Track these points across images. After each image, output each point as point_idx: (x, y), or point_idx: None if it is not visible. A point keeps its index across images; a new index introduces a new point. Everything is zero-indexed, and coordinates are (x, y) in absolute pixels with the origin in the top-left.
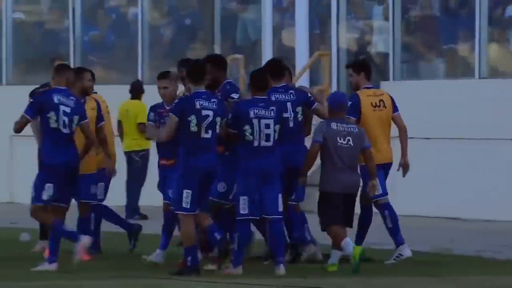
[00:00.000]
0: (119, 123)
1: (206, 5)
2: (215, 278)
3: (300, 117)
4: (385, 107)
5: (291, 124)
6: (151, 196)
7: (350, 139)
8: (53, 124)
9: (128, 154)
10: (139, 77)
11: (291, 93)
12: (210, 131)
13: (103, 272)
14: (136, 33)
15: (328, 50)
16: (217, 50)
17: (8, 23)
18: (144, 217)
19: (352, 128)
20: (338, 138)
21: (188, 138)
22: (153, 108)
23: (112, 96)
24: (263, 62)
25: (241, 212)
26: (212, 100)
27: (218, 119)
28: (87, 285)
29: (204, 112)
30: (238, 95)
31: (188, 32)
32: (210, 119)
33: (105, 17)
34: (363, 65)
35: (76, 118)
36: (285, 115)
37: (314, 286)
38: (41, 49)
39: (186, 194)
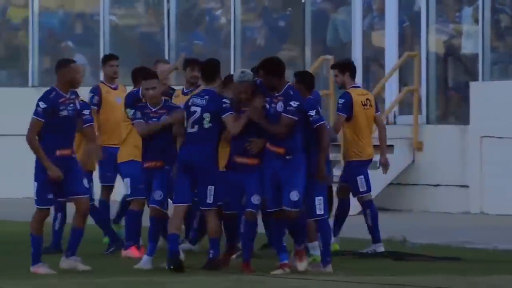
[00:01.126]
0: None
1: (297, 7)
2: (311, 275)
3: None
4: (371, 106)
5: None
6: None
7: None
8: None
9: None
10: None
11: None
12: (196, 126)
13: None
14: (229, 35)
15: (417, 51)
16: (308, 52)
17: (105, 26)
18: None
19: None
20: None
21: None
22: (138, 108)
23: None
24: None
25: (318, 212)
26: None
27: (206, 115)
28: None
29: (192, 108)
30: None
31: (280, 34)
32: (197, 115)
33: (199, 20)
34: (348, 65)
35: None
36: None
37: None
38: (137, 51)
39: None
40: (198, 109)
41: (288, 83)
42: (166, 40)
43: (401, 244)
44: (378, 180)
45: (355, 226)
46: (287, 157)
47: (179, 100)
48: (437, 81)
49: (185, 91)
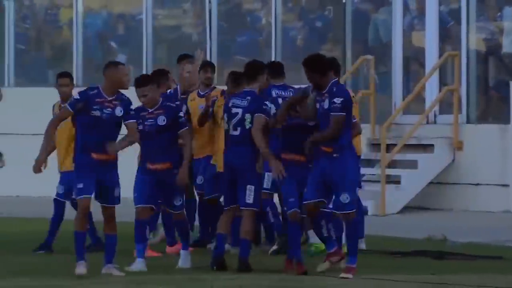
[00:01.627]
0: None
1: (338, 7)
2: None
3: None
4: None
5: None
6: None
7: None
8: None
9: None
10: None
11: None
12: (238, 129)
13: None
14: (270, 35)
15: (457, 50)
16: (348, 52)
17: (148, 26)
18: None
19: None
20: None
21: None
22: (136, 110)
23: None
24: (393, 63)
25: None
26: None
27: (247, 116)
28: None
29: (234, 110)
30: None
31: (320, 34)
32: (239, 116)
33: (240, 20)
34: (332, 63)
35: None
36: None
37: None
38: (179, 52)
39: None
40: (240, 110)
41: (334, 79)
42: (208, 41)
43: (442, 242)
44: (418, 179)
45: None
46: (334, 155)
47: (195, 103)
48: (478, 81)
49: (201, 93)
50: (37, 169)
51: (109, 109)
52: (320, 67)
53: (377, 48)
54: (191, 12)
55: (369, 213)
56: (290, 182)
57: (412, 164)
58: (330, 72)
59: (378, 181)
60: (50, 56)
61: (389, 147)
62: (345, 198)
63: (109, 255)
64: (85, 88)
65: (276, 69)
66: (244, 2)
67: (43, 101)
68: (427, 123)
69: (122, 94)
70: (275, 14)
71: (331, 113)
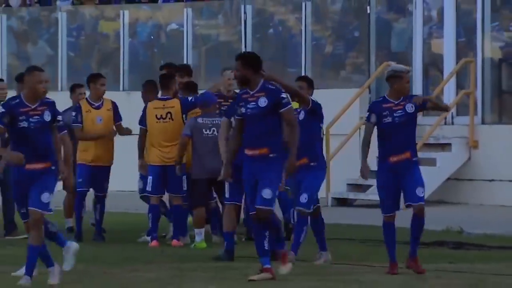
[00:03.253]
0: None
1: (363, 17)
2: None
3: None
4: None
5: None
6: None
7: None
8: None
9: None
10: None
11: None
12: None
13: None
14: (300, 43)
15: (473, 57)
16: (373, 58)
17: (188, 35)
18: None
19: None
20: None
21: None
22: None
23: None
24: (414, 68)
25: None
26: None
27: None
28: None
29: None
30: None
31: (346, 42)
32: None
33: (273, 30)
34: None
35: None
36: None
37: None
38: (216, 59)
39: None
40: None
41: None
42: (242, 48)
43: (459, 234)
44: (437, 175)
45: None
46: (271, 155)
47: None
48: (492, 85)
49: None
50: None
51: (36, 117)
52: (255, 64)
53: (399, 54)
54: (227, 22)
55: None
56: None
57: (431, 162)
58: (260, 72)
59: None
60: (99, 63)
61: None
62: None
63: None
64: (132, 94)
65: None
66: (276, 13)
67: None
68: (445, 124)
69: (46, 98)
70: (305, 24)
71: (284, 109)
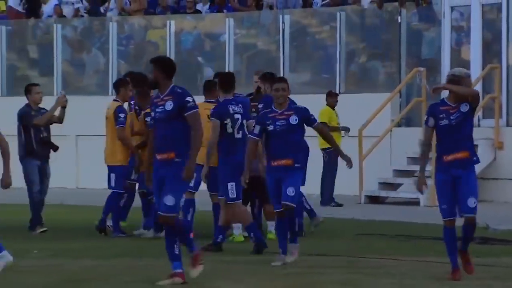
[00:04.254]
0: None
1: (394, 26)
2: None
3: None
4: None
5: None
6: (344, 186)
7: None
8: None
9: (322, 151)
10: (337, 88)
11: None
12: (240, 132)
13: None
14: (335, 52)
15: (498, 63)
16: (403, 65)
17: (230, 43)
18: (339, 205)
19: None
20: None
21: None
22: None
23: (312, 104)
24: (442, 74)
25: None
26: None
27: (245, 121)
28: None
29: (236, 116)
30: (192, 97)
31: (378, 50)
32: (239, 121)
33: (308, 39)
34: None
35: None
36: None
37: None
38: (256, 66)
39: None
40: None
41: (173, 84)
42: (281, 56)
43: (484, 230)
44: None
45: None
46: (176, 160)
47: None
48: None
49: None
50: None
51: None
52: (166, 69)
53: (428, 61)
54: (266, 31)
55: (421, 204)
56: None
57: None
58: (171, 78)
59: (429, 176)
60: (147, 70)
61: None
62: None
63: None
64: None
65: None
66: (312, 24)
67: None
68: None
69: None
70: (339, 33)
71: (188, 113)
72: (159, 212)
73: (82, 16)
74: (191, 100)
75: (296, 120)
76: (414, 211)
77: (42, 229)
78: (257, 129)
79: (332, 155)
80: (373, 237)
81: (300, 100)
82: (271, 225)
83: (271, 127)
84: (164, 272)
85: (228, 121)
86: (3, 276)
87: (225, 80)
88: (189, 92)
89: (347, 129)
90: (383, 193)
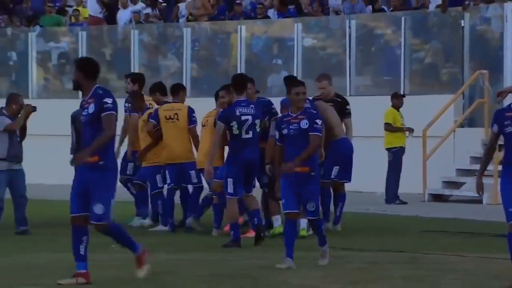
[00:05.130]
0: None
1: (457, 30)
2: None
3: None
4: (178, 119)
5: None
6: (409, 184)
7: None
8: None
9: (387, 150)
10: (402, 90)
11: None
12: (250, 132)
13: None
14: (399, 56)
15: None
16: (466, 67)
17: (298, 47)
18: (404, 203)
19: None
20: None
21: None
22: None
23: (377, 105)
24: (504, 76)
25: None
26: (251, 106)
27: (257, 121)
28: None
29: (243, 117)
30: (111, 99)
31: (443, 53)
32: (249, 122)
33: (374, 43)
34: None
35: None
36: None
37: None
38: (323, 69)
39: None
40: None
41: (97, 85)
42: (347, 60)
43: None
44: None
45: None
46: (100, 163)
47: None
48: None
49: None
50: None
51: None
52: (88, 70)
53: (490, 63)
54: (333, 35)
55: (484, 202)
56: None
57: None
58: (95, 79)
59: (492, 175)
60: (220, 73)
61: (501, 147)
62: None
63: None
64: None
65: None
66: (377, 28)
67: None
68: None
69: None
70: (404, 36)
71: (104, 114)
72: (92, 222)
73: (151, 22)
74: (109, 102)
75: (306, 124)
76: (477, 209)
77: None
78: (277, 135)
79: (396, 155)
80: (436, 234)
81: (365, 101)
82: (275, 220)
83: (285, 131)
84: (234, 267)
85: (234, 123)
86: None
87: (237, 82)
88: (111, 94)
89: (411, 130)
90: (447, 192)
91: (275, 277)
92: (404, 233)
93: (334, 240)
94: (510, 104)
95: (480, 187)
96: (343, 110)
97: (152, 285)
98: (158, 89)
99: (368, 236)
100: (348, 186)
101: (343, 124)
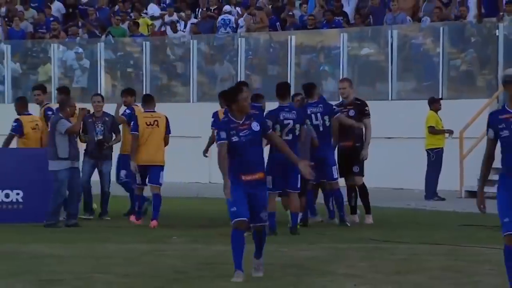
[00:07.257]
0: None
1: (492, 38)
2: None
3: None
4: (158, 126)
5: None
6: (447, 182)
7: None
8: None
9: (427, 151)
10: (440, 95)
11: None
12: (290, 135)
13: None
14: (438, 64)
15: None
16: (501, 73)
17: (344, 56)
18: (442, 199)
19: None
20: None
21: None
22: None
23: (417, 109)
24: None
25: None
26: (293, 111)
27: (297, 125)
28: None
29: (286, 121)
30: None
31: (478, 62)
32: (290, 126)
33: (412, 51)
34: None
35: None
36: None
37: None
38: (366, 74)
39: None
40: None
41: None
42: (389, 67)
43: None
44: None
45: None
46: None
47: None
48: None
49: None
50: None
51: None
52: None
53: None
54: (376, 44)
55: None
56: None
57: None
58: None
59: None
60: (272, 78)
61: None
62: None
63: None
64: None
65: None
66: (416, 38)
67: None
68: None
69: None
70: (442, 45)
71: None
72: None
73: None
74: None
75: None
76: None
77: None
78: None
79: (438, 155)
80: (472, 228)
81: (406, 105)
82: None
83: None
84: (283, 258)
85: (277, 126)
86: (145, 258)
87: (281, 90)
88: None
89: (451, 132)
90: None
91: (323, 267)
92: (443, 227)
93: (378, 233)
94: (504, 105)
95: (481, 202)
96: (362, 111)
97: (207, 272)
98: (130, 93)
99: (410, 230)
100: (389, 184)
101: (362, 124)
